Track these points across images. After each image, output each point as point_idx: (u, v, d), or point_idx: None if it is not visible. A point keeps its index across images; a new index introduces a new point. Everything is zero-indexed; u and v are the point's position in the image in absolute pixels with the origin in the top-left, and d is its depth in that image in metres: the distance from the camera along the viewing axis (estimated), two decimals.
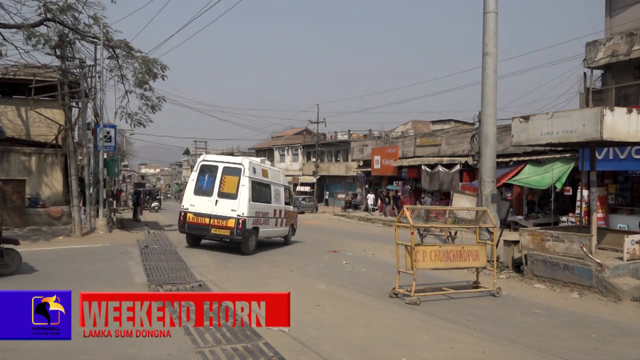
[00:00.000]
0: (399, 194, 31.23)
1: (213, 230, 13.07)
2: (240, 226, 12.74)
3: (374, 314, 7.46)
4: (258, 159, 15.62)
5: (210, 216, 13.04)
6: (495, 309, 7.97)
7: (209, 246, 14.86)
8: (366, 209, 33.40)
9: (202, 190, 13.47)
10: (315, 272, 11.15)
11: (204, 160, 14.12)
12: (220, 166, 13.52)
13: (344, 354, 5.57)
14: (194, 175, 13.84)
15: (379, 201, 32.94)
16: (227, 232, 12.93)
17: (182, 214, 13.48)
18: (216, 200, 13.12)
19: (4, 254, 9.42)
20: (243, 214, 12.84)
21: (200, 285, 9.17)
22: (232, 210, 12.85)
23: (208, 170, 13.64)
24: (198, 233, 13.66)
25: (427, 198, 27.94)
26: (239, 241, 13.06)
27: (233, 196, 13.01)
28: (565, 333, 6.70)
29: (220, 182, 13.25)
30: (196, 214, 13.22)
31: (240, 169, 13.22)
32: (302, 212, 32.66)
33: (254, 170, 13.71)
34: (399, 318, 7.21)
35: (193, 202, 13.41)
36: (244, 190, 12.80)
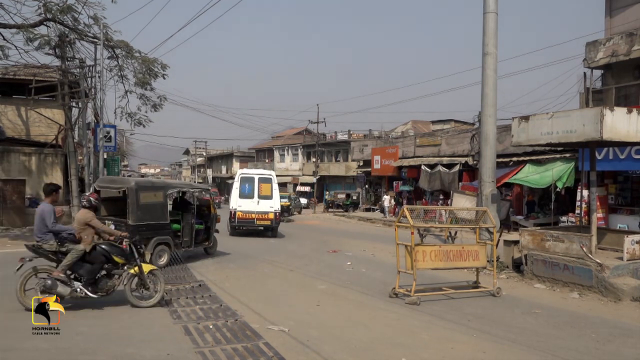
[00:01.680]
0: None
1: (257, 222, 18.01)
2: (277, 217, 18.10)
3: (374, 314, 7.46)
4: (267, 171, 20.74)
5: (255, 212, 17.96)
6: (495, 309, 7.97)
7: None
8: (382, 211, 31.02)
9: (245, 194, 18.18)
10: (315, 272, 11.15)
11: (242, 174, 19.02)
12: (256, 177, 18.55)
13: (344, 354, 5.57)
14: (236, 185, 18.54)
15: (393, 203, 30.59)
16: (268, 222, 17.97)
17: (233, 212, 18.12)
18: (257, 201, 18.05)
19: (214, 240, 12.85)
20: (277, 209, 18.06)
21: (200, 285, 9.17)
22: (270, 207, 17.91)
23: (247, 181, 18.44)
24: (246, 225, 18.21)
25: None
26: (274, 228, 18.17)
27: (269, 197, 18.04)
28: (566, 333, 6.70)
29: (259, 188, 18.18)
30: (244, 212, 17.97)
31: (271, 179, 18.63)
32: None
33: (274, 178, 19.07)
34: (399, 318, 7.21)
35: (240, 204, 18.08)
36: (276, 193, 17.59)
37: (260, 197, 18.05)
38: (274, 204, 18.01)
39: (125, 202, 10.62)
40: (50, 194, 7.43)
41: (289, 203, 31.04)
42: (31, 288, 6.78)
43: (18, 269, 6.79)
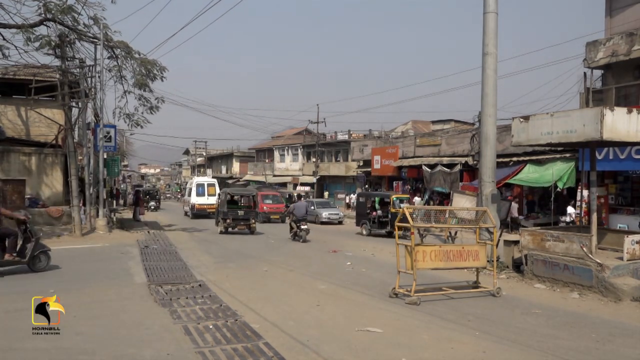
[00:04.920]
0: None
1: (208, 210, 28.63)
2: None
3: (374, 314, 7.46)
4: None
5: (207, 205, 29.22)
6: (495, 309, 7.97)
7: (210, 246, 14.95)
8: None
9: (200, 194, 30.02)
10: (315, 272, 11.15)
11: (197, 181, 31.31)
12: (206, 183, 30.85)
13: (344, 354, 5.57)
14: (195, 188, 30.17)
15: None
16: (214, 210, 25.20)
17: (193, 205, 29.90)
18: (208, 197, 29.47)
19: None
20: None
21: (200, 285, 9.17)
22: (214, 200, 24.95)
23: (200, 186, 30.38)
24: (202, 212, 29.32)
25: (514, 203, 20.82)
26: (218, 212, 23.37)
27: (214, 195, 28.13)
28: (565, 333, 6.70)
29: (207, 190, 29.92)
30: (200, 204, 29.62)
31: (214, 184, 31.03)
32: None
33: (217, 184, 31.46)
34: (399, 318, 7.21)
35: (197, 200, 29.77)
36: (219, 193, 22.53)
37: (209, 195, 29.37)
38: (216, 199, 23.72)
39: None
40: (300, 199, 21.27)
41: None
42: None
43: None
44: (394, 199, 20.03)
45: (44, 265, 10.23)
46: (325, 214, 27.20)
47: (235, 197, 22.36)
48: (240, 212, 20.05)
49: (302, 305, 7.92)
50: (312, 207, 28.69)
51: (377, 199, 21.11)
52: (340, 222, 27.21)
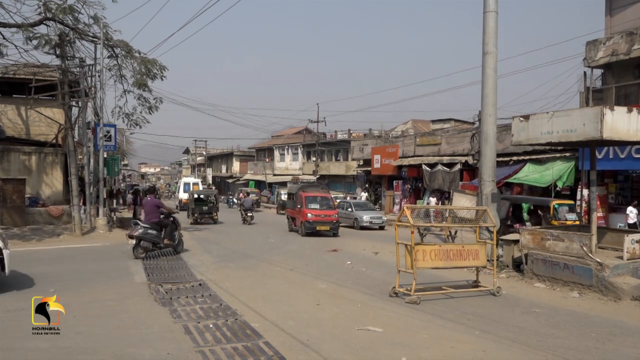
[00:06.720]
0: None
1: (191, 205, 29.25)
2: None
3: (374, 313, 7.46)
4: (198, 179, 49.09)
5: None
6: (495, 308, 7.97)
7: (210, 246, 14.95)
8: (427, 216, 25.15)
9: (186, 190, 37.30)
10: (315, 271, 11.15)
11: (184, 181, 43.60)
12: (191, 182, 41.99)
13: (344, 353, 5.57)
14: (182, 186, 41.47)
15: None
16: None
17: (180, 200, 38.57)
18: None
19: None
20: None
21: (200, 284, 9.17)
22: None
23: (187, 184, 40.72)
24: (187, 205, 29.70)
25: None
26: None
27: None
28: (565, 332, 6.70)
29: (192, 188, 36.77)
30: (185, 199, 33.51)
31: (198, 183, 43.11)
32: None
33: (200, 183, 44.45)
34: (399, 317, 7.21)
35: (183, 196, 37.67)
36: (188, 193, 28.75)
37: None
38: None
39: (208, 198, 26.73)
40: (248, 196, 32.41)
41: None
42: None
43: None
44: (555, 206, 14.18)
45: (181, 248, 13.27)
46: (366, 217, 22.96)
47: (202, 196, 27.03)
48: (205, 208, 25.19)
49: (302, 304, 7.92)
50: (350, 210, 24.10)
51: (525, 205, 15.66)
52: (382, 227, 22.96)
